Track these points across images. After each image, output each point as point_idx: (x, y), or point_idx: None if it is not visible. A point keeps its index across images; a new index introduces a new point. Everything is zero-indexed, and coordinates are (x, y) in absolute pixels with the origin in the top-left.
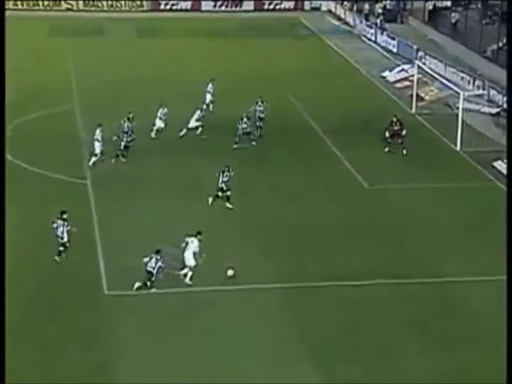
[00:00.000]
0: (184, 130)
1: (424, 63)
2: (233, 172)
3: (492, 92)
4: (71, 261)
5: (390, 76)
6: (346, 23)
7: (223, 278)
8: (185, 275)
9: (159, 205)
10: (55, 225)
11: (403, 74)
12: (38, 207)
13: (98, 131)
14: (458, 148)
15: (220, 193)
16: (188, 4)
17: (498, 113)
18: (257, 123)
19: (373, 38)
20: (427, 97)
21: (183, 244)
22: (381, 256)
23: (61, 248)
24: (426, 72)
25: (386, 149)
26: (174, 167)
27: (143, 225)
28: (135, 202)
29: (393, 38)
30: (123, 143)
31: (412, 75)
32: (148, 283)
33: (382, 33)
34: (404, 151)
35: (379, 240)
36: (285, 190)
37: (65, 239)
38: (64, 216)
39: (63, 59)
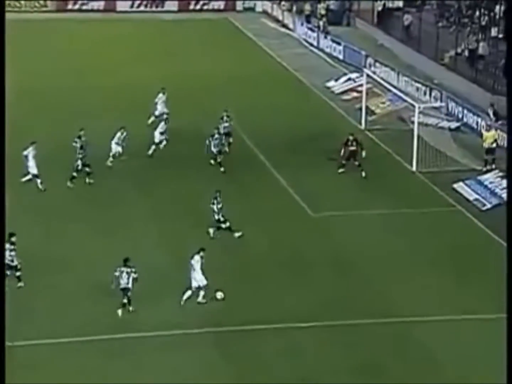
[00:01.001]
0: (153, 147)
1: (374, 72)
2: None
3: (451, 104)
4: None
5: (335, 86)
6: (284, 26)
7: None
8: (190, 297)
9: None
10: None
11: (351, 84)
12: None
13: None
14: (414, 168)
15: (222, 225)
16: (100, 4)
17: (457, 128)
18: (224, 141)
19: (315, 43)
20: (378, 110)
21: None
22: (330, 293)
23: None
24: (377, 82)
25: (340, 170)
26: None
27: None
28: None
29: (338, 43)
30: (79, 162)
31: (361, 85)
32: (126, 302)
33: (325, 37)
34: (363, 173)
35: (326, 276)
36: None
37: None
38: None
39: None
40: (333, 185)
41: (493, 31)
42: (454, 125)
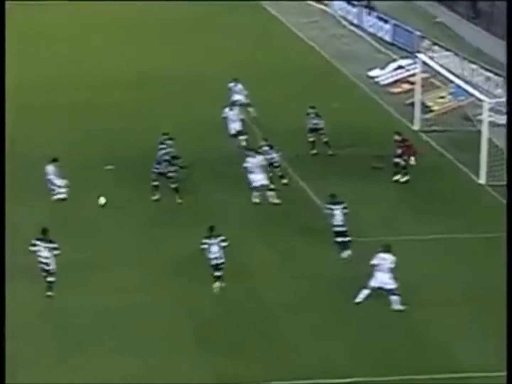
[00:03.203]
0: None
1: (431, 58)
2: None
3: None
4: None
5: (382, 76)
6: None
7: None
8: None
9: None
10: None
11: (401, 74)
12: None
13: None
14: (482, 180)
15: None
16: None
17: None
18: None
19: (356, 21)
20: (436, 107)
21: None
22: (361, 341)
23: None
24: (435, 71)
25: (396, 178)
26: None
27: None
28: None
29: (385, 21)
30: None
31: (414, 75)
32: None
33: (369, 14)
34: (406, 178)
35: (369, 319)
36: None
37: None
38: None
39: None
40: (377, 200)
41: None
42: None
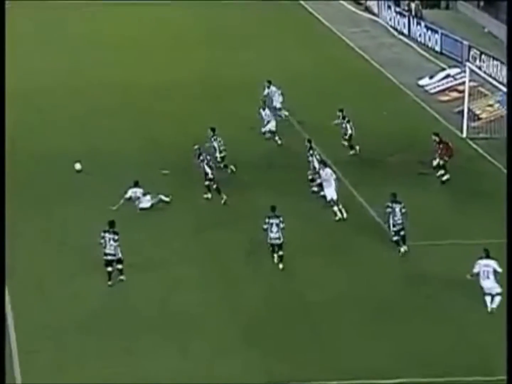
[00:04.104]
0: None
1: (479, 67)
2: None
3: None
4: None
5: (430, 84)
6: (367, 9)
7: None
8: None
9: None
10: None
11: (449, 82)
12: None
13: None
14: None
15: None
16: None
17: None
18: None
19: (405, 30)
20: (484, 115)
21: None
22: (412, 343)
23: None
24: (483, 79)
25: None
26: None
27: None
28: None
29: (434, 31)
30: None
31: (463, 83)
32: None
33: (418, 24)
34: (446, 177)
35: (408, 322)
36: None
37: None
38: None
39: None
40: (426, 205)
41: None
42: None
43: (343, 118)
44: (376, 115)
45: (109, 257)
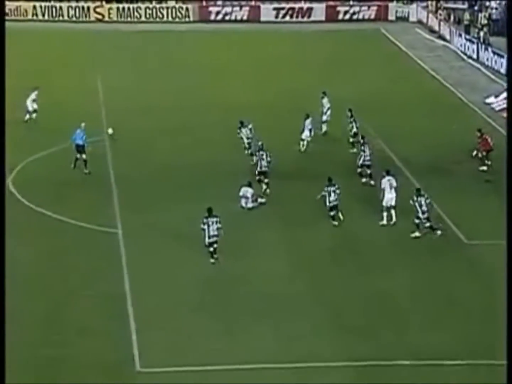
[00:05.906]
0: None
1: None
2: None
3: None
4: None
5: (496, 103)
6: (441, 37)
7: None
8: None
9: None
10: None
11: None
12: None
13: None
14: None
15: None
16: (244, 13)
17: None
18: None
19: (474, 55)
20: None
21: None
22: (471, 330)
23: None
24: None
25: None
26: None
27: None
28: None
29: (500, 56)
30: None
31: None
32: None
33: (486, 49)
34: (483, 167)
35: (471, 311)
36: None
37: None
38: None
39: (91, 80)
40: (488, 209)
41: None
42: None
43: (351, 117)
44: (447, 130)
45: (213, 239)
